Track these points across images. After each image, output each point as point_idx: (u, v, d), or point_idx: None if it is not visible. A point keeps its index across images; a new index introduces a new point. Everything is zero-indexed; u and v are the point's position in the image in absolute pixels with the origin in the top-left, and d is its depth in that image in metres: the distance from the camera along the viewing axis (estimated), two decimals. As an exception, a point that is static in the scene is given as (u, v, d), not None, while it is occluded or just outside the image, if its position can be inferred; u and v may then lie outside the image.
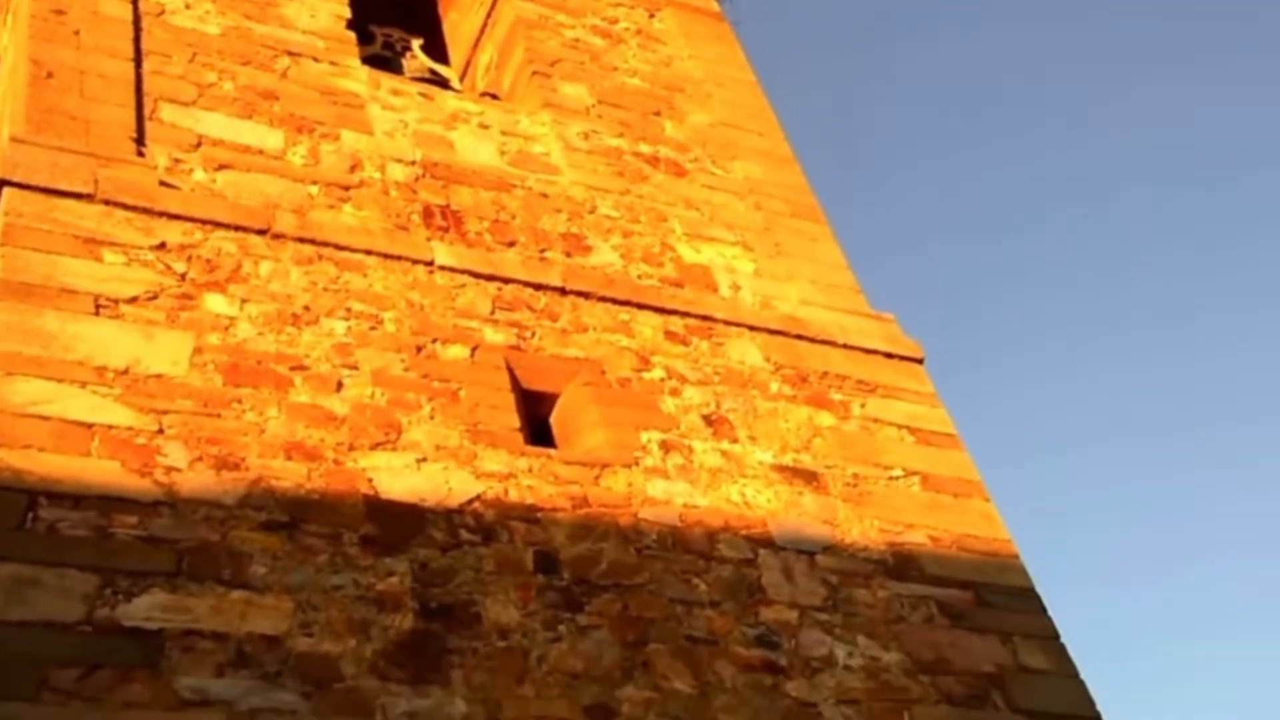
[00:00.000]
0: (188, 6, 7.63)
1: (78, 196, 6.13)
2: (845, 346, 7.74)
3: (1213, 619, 28.68)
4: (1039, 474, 28.11)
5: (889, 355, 7.83)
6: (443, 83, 8.90)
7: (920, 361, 7.91)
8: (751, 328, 7.56)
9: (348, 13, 8.24)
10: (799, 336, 7.64)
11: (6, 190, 6.02)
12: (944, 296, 28.00)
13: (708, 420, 6.92)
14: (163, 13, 7.51)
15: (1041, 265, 29.69)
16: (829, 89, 28.51)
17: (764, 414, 7.11)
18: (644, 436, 6.63)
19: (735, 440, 6.89)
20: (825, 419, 7.28)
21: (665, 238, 7.94)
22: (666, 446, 6.65)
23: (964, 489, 7.28)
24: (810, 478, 6.90)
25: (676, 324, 7.35)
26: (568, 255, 7.47)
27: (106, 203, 6.18)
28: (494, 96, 8.81)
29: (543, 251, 7.40)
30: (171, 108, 6.98)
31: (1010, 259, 29.22)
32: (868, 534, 6.76)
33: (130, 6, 7.38)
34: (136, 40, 7.21)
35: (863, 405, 7.47)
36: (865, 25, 29.86)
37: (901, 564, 6.70)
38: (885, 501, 6.97)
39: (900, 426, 7.46)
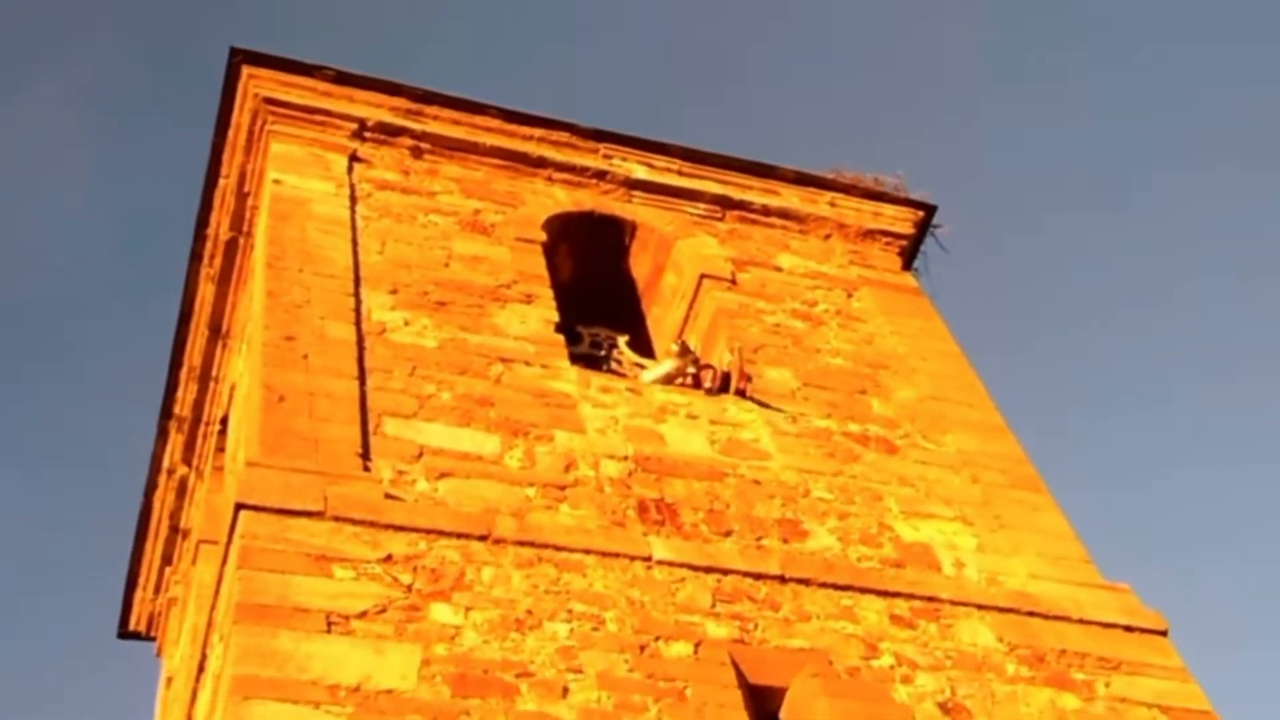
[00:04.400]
0: (407, 324, 7.98)
1: (309, 515, 6.35)
2: (1081, 621, 7.39)
3: None
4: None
5: (1129, 629, 7.44)
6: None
7: (1164, 634, 7.49)
8: (980, 606, 7.29)
9: (556, 317, 8.52)
10: (1031, 613, 7.34)
11: (243, 514, 6.26)
12: (1186, 556, 26.18)
13: (944, 708, 6.61)
14: (384, 331, 7.86)
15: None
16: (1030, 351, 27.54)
17: (1003, 699, 6.78)
18: (878, 729, 6.37)
19: (975, 729, 6.57)
20: (1069, 701, 6.90)
21: (882, 517, 7.80)
22: (903, 739, 6.37)
23: (1229, 770, 6.78)
24: (1060, 766, 6.50)
25: (902, 607, 7.13)
26: (785, 542, 7.37)
27: (336, 519, 6.38)
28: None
29: (759, 539, 7.32)
30: (394, 421, 7.23)
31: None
32: (1129, 826, 6.30)
33: (354, 328, 7.74)
34: (360, 359, 7.53)
35: (1107, 684, 7.07)
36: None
37: None
38: (1145, 788, 6.52)
39: (1151, 705, 7.03)
